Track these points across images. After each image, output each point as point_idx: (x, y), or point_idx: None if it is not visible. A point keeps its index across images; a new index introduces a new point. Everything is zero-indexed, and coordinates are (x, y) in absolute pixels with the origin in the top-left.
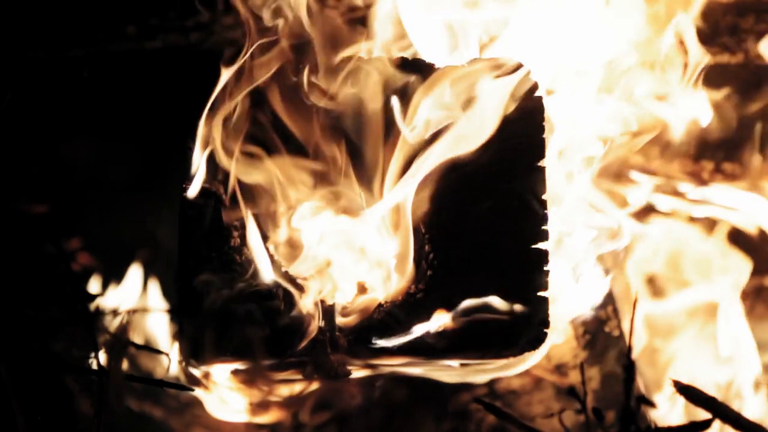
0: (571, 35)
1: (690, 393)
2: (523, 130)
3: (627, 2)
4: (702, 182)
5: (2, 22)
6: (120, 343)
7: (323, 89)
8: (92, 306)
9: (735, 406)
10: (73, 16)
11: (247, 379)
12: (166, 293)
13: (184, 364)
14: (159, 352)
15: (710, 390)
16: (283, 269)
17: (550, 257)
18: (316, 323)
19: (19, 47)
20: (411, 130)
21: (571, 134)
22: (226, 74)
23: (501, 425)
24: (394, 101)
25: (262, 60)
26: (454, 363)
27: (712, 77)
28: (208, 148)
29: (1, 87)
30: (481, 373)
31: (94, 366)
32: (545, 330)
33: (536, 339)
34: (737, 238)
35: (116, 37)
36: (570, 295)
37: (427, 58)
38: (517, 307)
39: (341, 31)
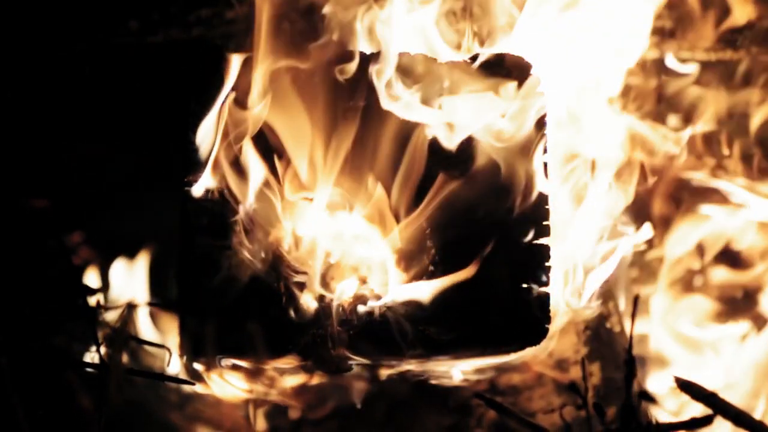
0: (576, 33)
1: (691, 389)
2: (525, 125)
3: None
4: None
5: (3, 20)
6: (121, 337)
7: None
8: (93, 301)
9: None
10: (75, 11)
11: (249, 373)
12: (168, 288)
13: (185, 358)
14: (160, 346)
15: None
16: (285, 264)
17: (552, 253)
18: (318, 318)
19: (20, 44)
20: (415, 127)
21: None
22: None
23: (502, 421)
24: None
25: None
26: (455, 360)
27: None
28: (212, 142)
29: (1, 85)
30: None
31: (95, 360)
32: (546, 326)
33: (537, 334)
34: None
35: (118, 32)
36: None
37: (430, 54)
38: (519, 302)
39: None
